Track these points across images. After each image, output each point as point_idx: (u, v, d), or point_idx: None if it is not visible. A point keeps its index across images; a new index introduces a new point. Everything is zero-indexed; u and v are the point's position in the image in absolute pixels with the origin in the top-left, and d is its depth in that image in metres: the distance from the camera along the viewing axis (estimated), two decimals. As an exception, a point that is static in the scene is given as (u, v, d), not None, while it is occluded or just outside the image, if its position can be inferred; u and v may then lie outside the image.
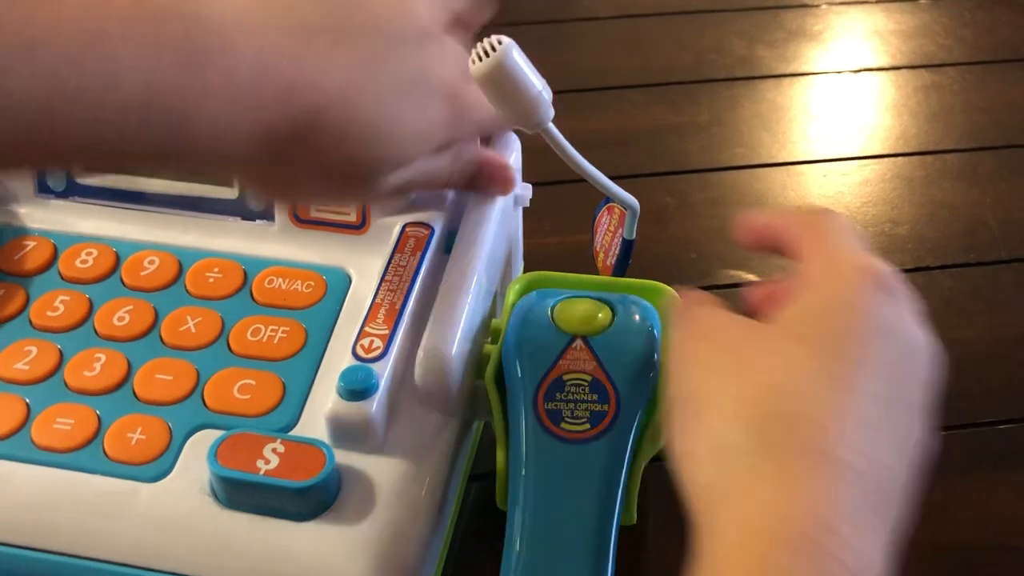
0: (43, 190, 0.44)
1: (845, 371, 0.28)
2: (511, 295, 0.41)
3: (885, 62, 0.72)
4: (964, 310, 0.52)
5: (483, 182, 0.41)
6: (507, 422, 0.37)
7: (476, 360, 0.39)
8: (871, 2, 0.78)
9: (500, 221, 0.41)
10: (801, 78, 0.70)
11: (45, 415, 0.37)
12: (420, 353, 0.36)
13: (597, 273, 0.44)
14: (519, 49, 0.34)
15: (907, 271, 0.55)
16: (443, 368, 0.36)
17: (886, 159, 0.63)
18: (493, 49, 0.33)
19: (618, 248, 0.42)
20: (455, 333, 0.36)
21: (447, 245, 0.40)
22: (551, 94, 0.36)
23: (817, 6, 0.78)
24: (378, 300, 0.38)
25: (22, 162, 0.31)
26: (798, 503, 0.26)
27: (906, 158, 0.63)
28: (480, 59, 0.34)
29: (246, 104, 0.30)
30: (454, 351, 0.36)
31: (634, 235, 0.42)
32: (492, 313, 0.42)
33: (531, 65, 0.35)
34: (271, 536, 0.34)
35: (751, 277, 0.54)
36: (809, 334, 0.29)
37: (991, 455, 0.46)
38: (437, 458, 0.36)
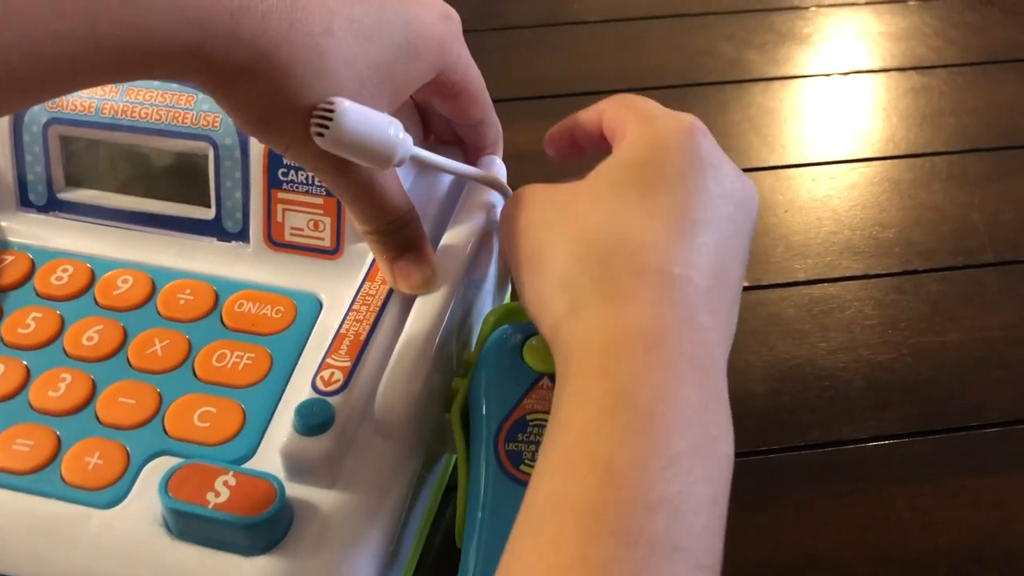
0: (25, 204, 0.44)
1: (667, 200, 0.31)
2: (486, 327, 0.40)
3: (875, 64, 0.72)
4: (952, 313, 0.52)
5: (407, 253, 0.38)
6: (469, 460, 0.36)
7: (444, 393, 0.38)
8: (860, 4, 0.78)
9: (484, 246, 0.40)
10: (791, 81, 0.70)
11: (6, 435, 0.37)
12: (380, 387, 0.35)
13: None
14: (351, 104, 0.32)
15: (895, 275, 0.55)
16: (403, 404, 0.35)
17: (875, 162, 0.63)
18: (328, 115, 0.32)
19: None
20: (420, 368, 0.35)
21: None
22: (399, 125, 0.34)
23: (806, 8, 0.78)
24: (343, 331, 0.37)
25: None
26: (641, 311, 0.29)
27: (895, 161, 0.63)
28: (323, 130, 0.32)
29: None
30: (417, 387, 0.35)
31: None
32: (467, 343, 0.41)
33: (369, 111, 0.33)
34: (220, 569, 0.33)
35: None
36: (627, 177, 0.33)
37: (978, 458, 0.46)
38: (395, 494, 0.36)
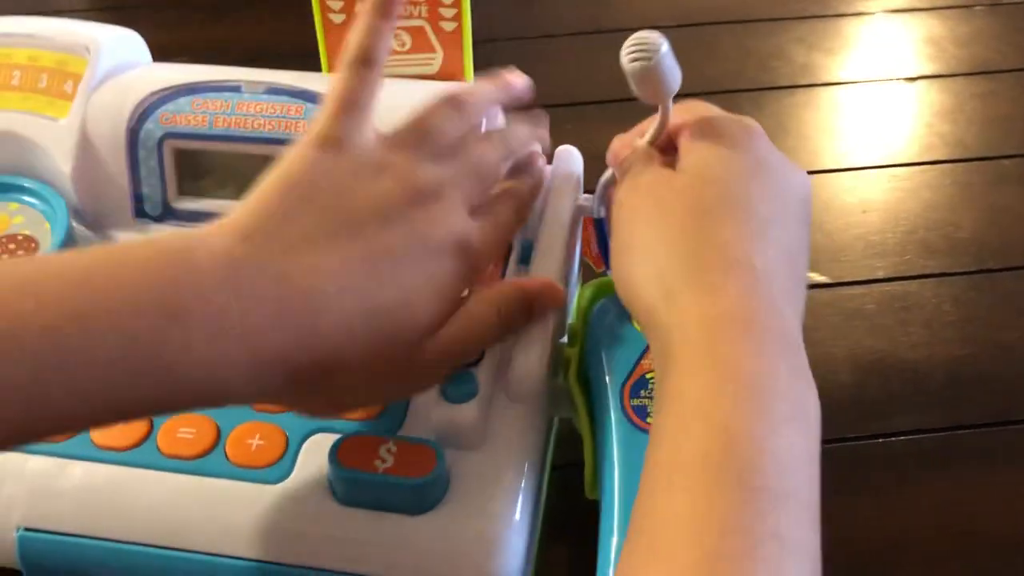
0: (140, 215, 0.46)
1: (742, 201, 0.35)
2: (582, 300, 0.43)
3: (942, 69, 0.74)
4: (1025, 311, 0.55)
5: (537, 309, 0.39)
6: (591, 419, 0.40)
7: (555, 361, 0.42)
8: (926, 9, 0.80)
9: (570, 231, 0.44)
10: (860, 84, 0.73)
11: (168, 426, 0.39)
12: (513, 357, 0.38)
13: None
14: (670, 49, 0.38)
15: (971, 273, 0.57)
16: (534, 371, 0.38)
17: (946, 164, 0.66)
18: (648, 51, 0.37)
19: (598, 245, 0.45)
20: (545, 337, 0.39)
21: (523, 257, 0.43)
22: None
23: (872, 13, 0.80)
24: None
25: (24, 438, 0.29)
26: (730, 298, 0.32)
27: (966, 164, 0.66)
28: (643, 59, 0.37)
29: (237, 340, 0.30)
30: (545, 354, 0.39)
31: (600, 214, 0.44)
32: (566, 316, 0.44)
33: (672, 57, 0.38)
34: (388, 530, 0.36)
35: (821, 278, 0.57)
36: (710, 175, 0.36)
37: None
38: (533, 452, 0.39)
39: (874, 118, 0.70)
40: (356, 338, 0.33)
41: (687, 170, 0.37)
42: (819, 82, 0.73)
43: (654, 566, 0.28)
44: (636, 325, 0.41)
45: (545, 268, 0.41)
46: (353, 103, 0.36)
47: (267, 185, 0.34)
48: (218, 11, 0.82)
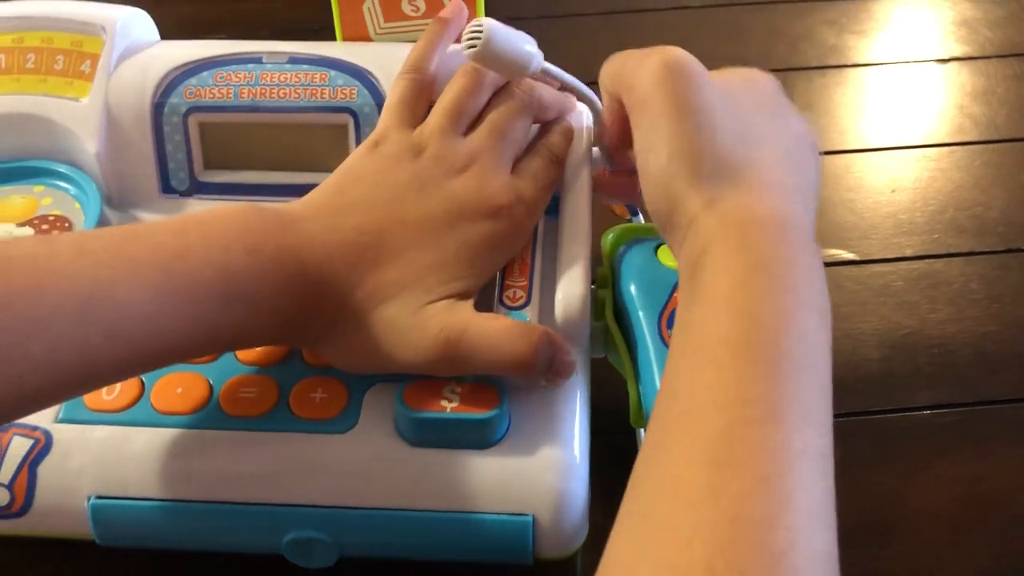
0: (167, 190, 0.47)
1: (765, 129, 0.37)
2: (606, 246, 0.45)
3: (974, 51, 0.74)
4: (1054, 290, 0.55)
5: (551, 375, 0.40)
6: (632, 354, 0.42)
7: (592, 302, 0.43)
8: (959, -9, 0.80)
9: (589, 184, 0.45)
10: (891, 66, 0.73)
11: (228, 388, 0.40)
12: (559, 296, 0.40)
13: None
14: (499, 24, 0.40)
15: (999, 252, 0.58)
16: (579, 308, 0.40)
17: (977, 145, 0.65)
18: (478, 34, 0.39)
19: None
20: (583, 278, 0.41)
21: (549, 209, 0.44)
22: (533, 42, 0.41)
23: (905, -5, 0.80)
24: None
25: (144, 363, 0.36)
26: (769, 206, 0.34)
27: (996, 145, 0.65)
28: (473, 45, 0.39)
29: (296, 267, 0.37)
30: (585, 292, 0.41)
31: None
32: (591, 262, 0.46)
33: (510, 31, 0.40)
34: (460, 464, 0.38)
35: (850, 256, 0.58)
36: (730, 96, 0.37)
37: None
38: (582, 387, 0.40)
39: (905, 99, 0.70)
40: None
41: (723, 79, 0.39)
42: (849, 63, 0.73)
43: (683, 435, 0.29)
44: (664, 260, 0.43)
45: (574, 218, 0.43)
46: (396, 104, 0.43)
47: (326, 180, 0.41)
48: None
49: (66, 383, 0.33)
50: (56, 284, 0.32)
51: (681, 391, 0.31)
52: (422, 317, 0.38)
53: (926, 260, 0.57)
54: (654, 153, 0.36)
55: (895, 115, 0.68)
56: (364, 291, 0.38)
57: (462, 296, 0.39)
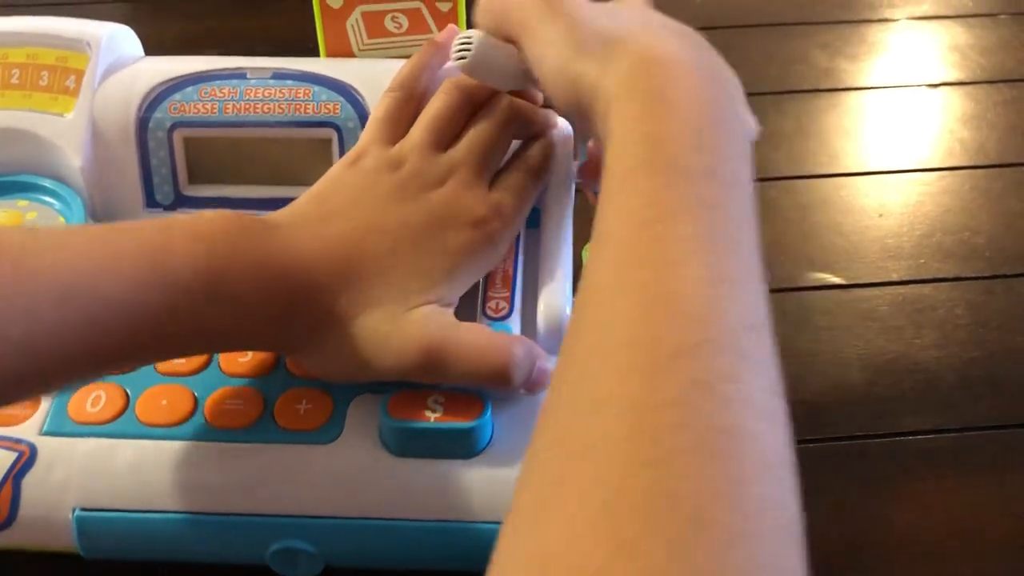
0: (151, 204, 0.47)
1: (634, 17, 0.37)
2: (586, 256, 0.45)
3: (965, 76, 0.74)
4: (1041, 317, 0.55)
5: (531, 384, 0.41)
6: None
7: None
8: (950, 17, 0.80)
9: (571, 197, 0.45)
10: (883, 90, 0.73)
11: (214, 399, 0.40)
12: (541, 307, 0.41)
13: None
14: (488, 36, 0.41)
15: (985, 278, 0.58)
16: (560, 318, 0.41)
17: (966, 170, 0.66)
18: (468, 45, 0.40)
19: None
20: (564, 288, 0.41)
21: (530, 222, 0.45)
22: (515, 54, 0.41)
23: (897, 20, 0.80)
24: (493, 269, 0.43)
25: (127, 356, 0.36)
26: (643, 53, 0.34)
27: (985, 170, 0.66)
28: (463, 57, 0.40)
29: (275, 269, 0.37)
30: (566, 307, 0.41)
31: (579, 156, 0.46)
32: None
33: (499, 42, 0.41)
34: (443, 474, 0.38)
35: (836, 280, 0.58)
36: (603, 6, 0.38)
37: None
38: None
39: (896, 123, 0.70)
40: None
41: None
42: (842, 87, 0.73)
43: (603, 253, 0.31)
44: None
45: (556, 230, 0.44)
46: (379, 120, 0.43)
47: (307, 191, 0.41)
48: (248, 2, 0.83)
49: (44, 372, 0.33)
50: (38, 271, 0.33)
51: (602, 228, 0.31)
52: (403, 323, 0.38)
53: (912, 285, 0.57)
54: (545, 56, 0.37)
55: (886, 139, 0.69)
56: (347, 298, 0.38)
57: (442, 304, 0.39)
